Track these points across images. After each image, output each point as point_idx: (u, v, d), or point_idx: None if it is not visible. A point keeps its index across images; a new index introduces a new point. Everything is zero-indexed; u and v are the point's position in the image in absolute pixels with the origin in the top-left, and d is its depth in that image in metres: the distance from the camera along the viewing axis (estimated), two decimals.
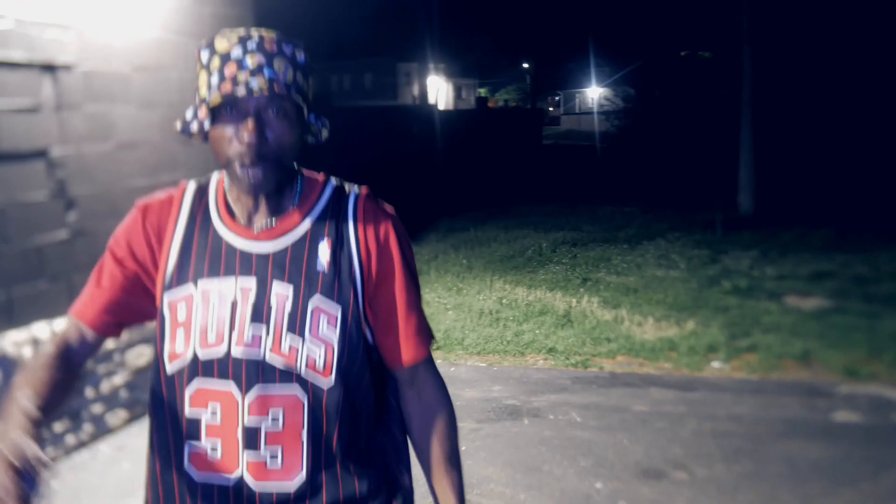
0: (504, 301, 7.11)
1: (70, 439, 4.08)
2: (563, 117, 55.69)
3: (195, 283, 1.32)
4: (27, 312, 3.84)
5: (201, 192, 1.40)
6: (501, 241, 10.39)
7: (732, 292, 7.23)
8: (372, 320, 1.37)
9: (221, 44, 1.27)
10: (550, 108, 59.06)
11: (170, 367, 1.33)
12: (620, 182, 16.71)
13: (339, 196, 1.39)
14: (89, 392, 4.21)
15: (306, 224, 1.35)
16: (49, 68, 3.94)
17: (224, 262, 1.33)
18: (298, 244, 1.33)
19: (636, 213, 12.57)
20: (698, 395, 4.75)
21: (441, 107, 28.57)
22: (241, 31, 1.28)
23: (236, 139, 1.26)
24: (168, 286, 1.34)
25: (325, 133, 1.39)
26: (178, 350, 1.32)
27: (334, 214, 1.37)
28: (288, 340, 1.29)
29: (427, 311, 6.36)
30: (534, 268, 8.77)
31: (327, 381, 1.31)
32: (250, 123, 1.24)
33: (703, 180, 14.72)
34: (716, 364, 5.38)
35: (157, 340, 1.35)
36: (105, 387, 4.27)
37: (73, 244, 4.12)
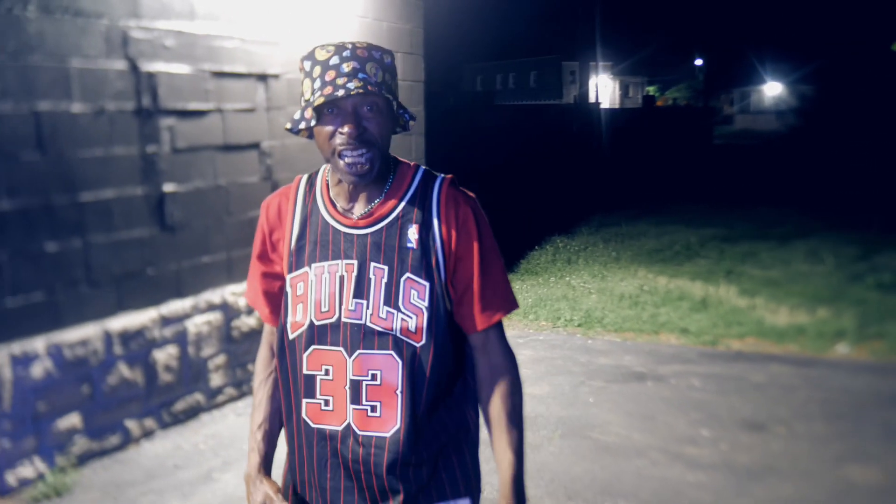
0: (644, 287, 7.62)
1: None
2: (738, 116, 53.99)
3: (309, 266, 1.56)
4: (241, 271, 4.85)
5: (310, 185, 1.63)
6: (651, 236, 10.78)
7: (875, 287, 7.37)
8: (452, 292, 1.56)
9: (321, 54, 1.48)
10: (725, 107, 57.32)
11: (292, 335, 1.57)
12: (784, 182, 16.50)
13: (427, 183, 1.58)
14: None
15: (397, 210, 1.55)
16: (262, 77, 4.94)
17: (332, 246, 1.55)
18: (391, 227, 1.53)
19: (793, 211, 12.53)
20: (815, 371, 5.14)
21: (607, 105, 28.71)
22: (336, 42, 1.50)
23: (339, 132, 1.47)
24: (290, 268, 1.58)
25: (411, 124, 1.60)
26: (299, 319, 1.55)
27: (422, 200, 1.56)
28: (385, 309, 1.51)
29: (571, 294, 7.00)
30: (679, 261, 9.15)
31: (419, 343, 1.51)
32: (350, 118, 1.46)
33: (870, 180, 14.37)
34: (841, 348, 5.69)
35: (282, 312, 1.60)
36: None
37: None
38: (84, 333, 3.92)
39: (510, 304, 1.61)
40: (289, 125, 1.54)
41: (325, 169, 1.63)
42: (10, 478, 3.61)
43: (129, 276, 4.17)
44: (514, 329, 6.42)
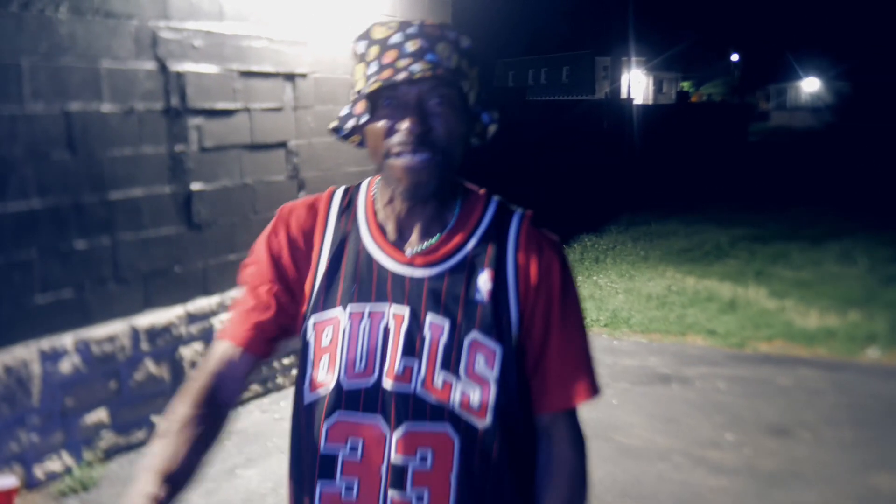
0: (672, 288, 7.56)
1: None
2: (774, 113, 53.36)
3: (343, 307, 1.21)
4: None
5: (349, 201, 1.30)
6: (681, 236, 10.69)
7: None
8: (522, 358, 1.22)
9: (379, 32, 1.18)
10: (760, 103, 56.67)
11: (309, 397, 1.22)
12: (819, 180, 16.27)
13: (502, 217, 1.26)
14: None
15: (466, 249, 1.22)
16: (289, 77, 4.98)
17: (376, 286, 1.21)
18: (456, 272, 1.21)
19: (827, 211, 12.36)
20: (844, 376, 5.07)
21: (640, 101, 28.49)
22: (400, 20, 1.20)
23: (396, 129, 1.16)
24: (314, 307, 1.23)
25: (492, 129, 1.28)
26: (321, 378, 1.21)
27: (496, 239, 1.23)
28: (441, 376, 1.17)
29: (598, 293, 6.96)
30: (709, 261, 9.07)
31: (482, 423, 1.18)
32: (413, 111, 1.14)
33: None
34: (871, 352, 5.61)
35: (299, 365, 1.25)
36: None
37: None
38: (112, 330, 3.99)
39: (593, 388, 1.25)
40: (334, 124, 1.26)
41: (369, 184, 1.31)
42: (38, 471, 3.68)
43: (157, 273, 4.22)
44: None
